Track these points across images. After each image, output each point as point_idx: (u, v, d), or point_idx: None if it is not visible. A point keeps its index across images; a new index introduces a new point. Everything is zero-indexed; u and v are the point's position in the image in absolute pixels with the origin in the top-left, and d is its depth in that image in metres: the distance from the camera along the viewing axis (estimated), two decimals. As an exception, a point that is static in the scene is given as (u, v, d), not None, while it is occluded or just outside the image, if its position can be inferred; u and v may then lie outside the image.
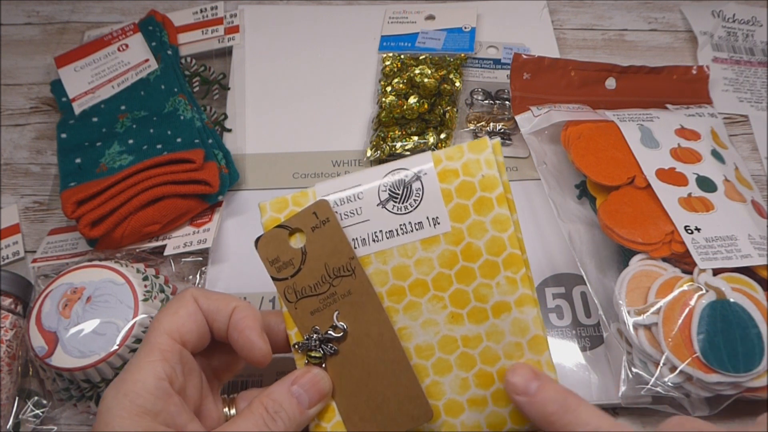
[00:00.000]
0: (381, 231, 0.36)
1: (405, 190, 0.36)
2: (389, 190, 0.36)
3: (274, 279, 0.36)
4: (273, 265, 0.36)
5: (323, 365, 0.35)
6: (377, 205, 0.36)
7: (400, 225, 0.36)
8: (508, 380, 0.33)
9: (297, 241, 0.36)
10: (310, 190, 0.37)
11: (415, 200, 0.36)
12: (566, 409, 0.30)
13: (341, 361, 0.35)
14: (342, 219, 0.36)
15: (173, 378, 0.32)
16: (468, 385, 0.35)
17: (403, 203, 0.36)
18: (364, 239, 0.36)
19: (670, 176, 0.48)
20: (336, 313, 0.35)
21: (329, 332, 0.35)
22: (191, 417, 0.33)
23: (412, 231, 0.36)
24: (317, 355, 0.35)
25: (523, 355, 0.34)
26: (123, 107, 0.57)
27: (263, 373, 0.45)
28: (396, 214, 0.36)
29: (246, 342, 0.34)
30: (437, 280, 0.36)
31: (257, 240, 0.36)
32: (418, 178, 0.36)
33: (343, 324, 0.35)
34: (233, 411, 0.36)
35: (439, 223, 0.36)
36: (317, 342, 0.35)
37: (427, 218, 0.36)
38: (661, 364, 0.41)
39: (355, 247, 0.36)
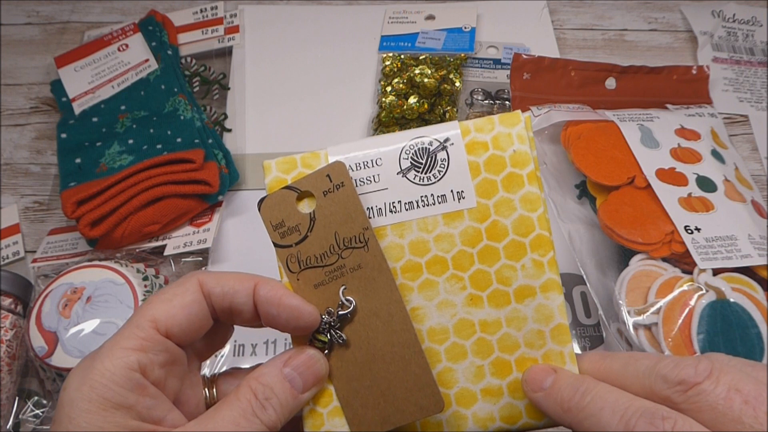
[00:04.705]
0: (400, 201, 0.33)
1: (429, 159, 0.33)
2: (411, 158, 0.33)
3: (276, 245, 0.33)
4: (276, 230, 0.33)
5: (325, 351, 0.32)
6: (397, 174, 0.33)
7: (422, 197, 0.33)
8: (524, 379, 0.31)
9: (305, 206, 0.33)
10: (322, 152, 0.34)
11: (439, 171, 0.33)
12: (583, 393, 0.28)
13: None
14: (357, 185, 0.33)
15: (148, 369, 0.29)
16: (483, 374, 0.33)
17: (426, 173, 0.33)
18: (380, 209, 0.33)
19: (670, 176, 0.48)
20: (342, 287, 0.32)
21: (339, 310, 0.32)
22: (169, 407, 0.30)
23: (434, 204, 0.33)
24: (323, 339, 0.32)
25: (545, 344, 0.32)
26: (123, 107, 0.57)
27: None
28: (418, 184, 0.33)
29: (291, 310, 0.31)
30: (458, 259, 0.33)
31: (260, 201, 0.33)
32: (444, 147, 0.33)
33: (351, 299, 0.32)
34: (214, 391, 0.33)
35: (464, 198, 0.33)
36: (326, 326, 0.32)
37: (452, 191, 0.33)
38: (661, 364, 0.41)
39: (370, 217, 0.33)
